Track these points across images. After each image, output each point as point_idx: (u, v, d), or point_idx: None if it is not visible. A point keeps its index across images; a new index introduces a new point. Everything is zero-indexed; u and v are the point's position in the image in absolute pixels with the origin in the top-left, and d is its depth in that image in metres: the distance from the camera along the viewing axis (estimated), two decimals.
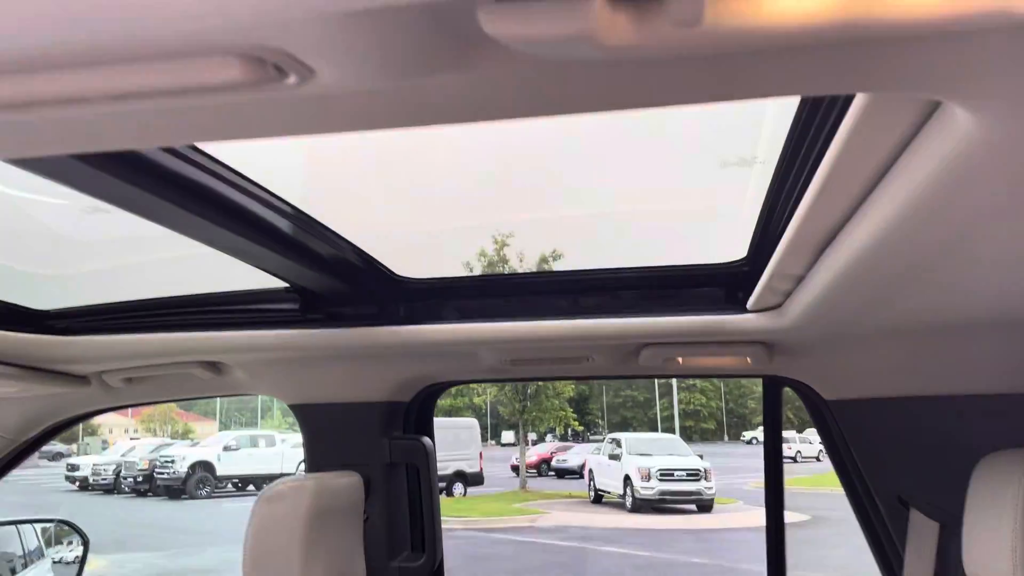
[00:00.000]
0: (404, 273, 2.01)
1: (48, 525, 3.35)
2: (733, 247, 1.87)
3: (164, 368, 2.24)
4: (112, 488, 27.36)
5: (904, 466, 2.08)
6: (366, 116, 0.70)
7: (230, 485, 25.98)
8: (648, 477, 20.18)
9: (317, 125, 0.73)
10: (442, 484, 20.52)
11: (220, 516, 20.10)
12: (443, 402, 22.56)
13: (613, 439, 24.11)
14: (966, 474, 1.68)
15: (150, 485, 25.73)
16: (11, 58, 0.52)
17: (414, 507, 2.37)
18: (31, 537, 3.21)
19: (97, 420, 61.02)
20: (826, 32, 0.53)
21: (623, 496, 20.94)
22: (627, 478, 20.74)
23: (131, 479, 26.61)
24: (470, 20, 0.52)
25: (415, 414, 2.43)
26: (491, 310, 2.00)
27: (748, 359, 2.00)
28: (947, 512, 1.95)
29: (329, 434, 2.33)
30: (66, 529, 3.36)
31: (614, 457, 22.18)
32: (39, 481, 28.60)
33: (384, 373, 2.27)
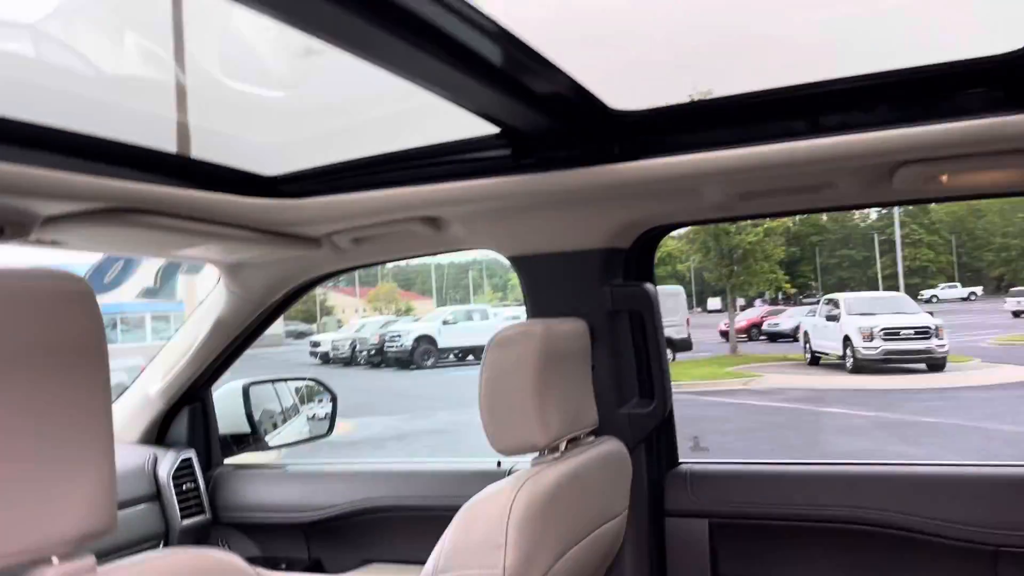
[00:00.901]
0: (618, 105, 1.87)
1: (300, 384, 3.65)
2: (1005, 36, 1.57)
3: (387, 227, 2.29)
4: (349, 361, 30.66)
5: None
6: None
7: (451, 356, 28.10)
8: (871, 337, 19.10)
9: None
10: None
11: (445, 384, 21.70)
12: None
13: (830, 299, 22.98)
14: None
15: (382, 358, 28.54)
16: None
17: (640, 355, 2.32)
18: (286, 394, 3.53)
19: (331, 301, 67.52)
20: None
21: (843, 358, 20.08)
22: (847, 339, 19.78)
23: (365, 352, 29.84)
24: None
25: (636, 260, 2.34)
26: (715, 138, 1.82)
27: None
28: None
29: (549, 285, 2.31)
30: (316, 387, 3.66)
31: (832, 318, 21.18)
32: (288, 357, 32.35)
33: (601, 218, 2.19)
